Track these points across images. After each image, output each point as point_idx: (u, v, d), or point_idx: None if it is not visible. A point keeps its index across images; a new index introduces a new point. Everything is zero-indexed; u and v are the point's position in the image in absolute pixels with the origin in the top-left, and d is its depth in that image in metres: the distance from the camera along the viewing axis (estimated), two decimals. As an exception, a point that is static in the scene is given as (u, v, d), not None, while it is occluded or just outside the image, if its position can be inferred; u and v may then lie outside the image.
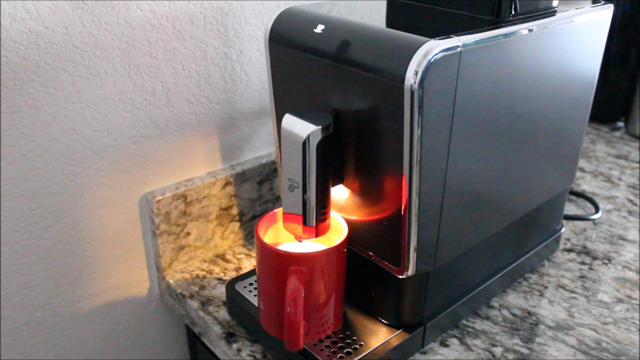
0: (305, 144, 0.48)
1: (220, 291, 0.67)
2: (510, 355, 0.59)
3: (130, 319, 0.72)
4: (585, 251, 0.76)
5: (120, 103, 0.61)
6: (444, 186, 0.50)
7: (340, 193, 0.55)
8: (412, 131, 0.45)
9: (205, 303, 0.66)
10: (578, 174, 0.94)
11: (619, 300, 0.67)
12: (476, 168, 0.53)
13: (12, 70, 0.53)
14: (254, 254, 0.74)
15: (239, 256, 0.74)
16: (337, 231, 0.55)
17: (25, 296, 0.62)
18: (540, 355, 0.59)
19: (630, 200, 0.87)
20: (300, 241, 0.56)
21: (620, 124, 1.12)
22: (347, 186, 0.54)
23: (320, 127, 0.48)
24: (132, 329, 0.73)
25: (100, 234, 0.65)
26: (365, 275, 0.58)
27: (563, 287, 0.69)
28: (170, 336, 0.77)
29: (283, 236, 0.57)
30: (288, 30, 0.54)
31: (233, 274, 0.70)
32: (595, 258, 0.74)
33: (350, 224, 0.55)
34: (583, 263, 0.73)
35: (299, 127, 0.48)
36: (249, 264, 0.72)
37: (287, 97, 0.58)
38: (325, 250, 0.52)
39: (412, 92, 0.43)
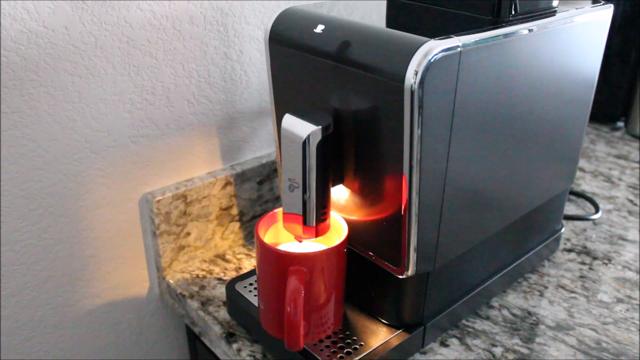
0: (305, 144, 0.48)
1: (220, 291, 0.67)
2: (510, 355, 0.59)
3: (130, 319, 0.72)
4: (585, 251, 0.76)
5: (120, 103, 0.61)
6: (444, 186, 0.50)
7: (340, 193, 0.55)
8: (412, 131, 0.45)
9: (205, 303, 0.66)
10: (578, 174, 0.94)
11: (619, 300, 0.67)
12: (476, 168, 0.53)
13: (12, 70, 0.53)
14: (254, 254, 0.74)
15: (239, 256, 0.74)
16: (337, 231, 0.55)
17: (25, 296, 0.62)
18: (540, 355, 0.59)
19: (630, 200, 0.87)
20: (300, 241, 0.56)
21: (620, 124, 1.12)
22: (347, 186, 0.54)
23: (320, 127, 0.48)
24: (132, 329, 0.73)
25: (100, 234, 0.65)
26: (365, 275, 0.58)
27: (563, 287, 0.69)
28: (170, 336, 0.77)
29: (283, 236, 0.57)
30: (288, 30, 0.54)
31: (233, 274, 0.70)
32: (595, 258, 0.74)
33: (350, 224, 0.55)
34: (583, 263, 0.73)
35: (299, 127, 0.48)
36: (249, 264, 0.72)
37: (287, 97, 0.58)
38: (325, 250, 0.52)
39: (412, 92, 0.43)
